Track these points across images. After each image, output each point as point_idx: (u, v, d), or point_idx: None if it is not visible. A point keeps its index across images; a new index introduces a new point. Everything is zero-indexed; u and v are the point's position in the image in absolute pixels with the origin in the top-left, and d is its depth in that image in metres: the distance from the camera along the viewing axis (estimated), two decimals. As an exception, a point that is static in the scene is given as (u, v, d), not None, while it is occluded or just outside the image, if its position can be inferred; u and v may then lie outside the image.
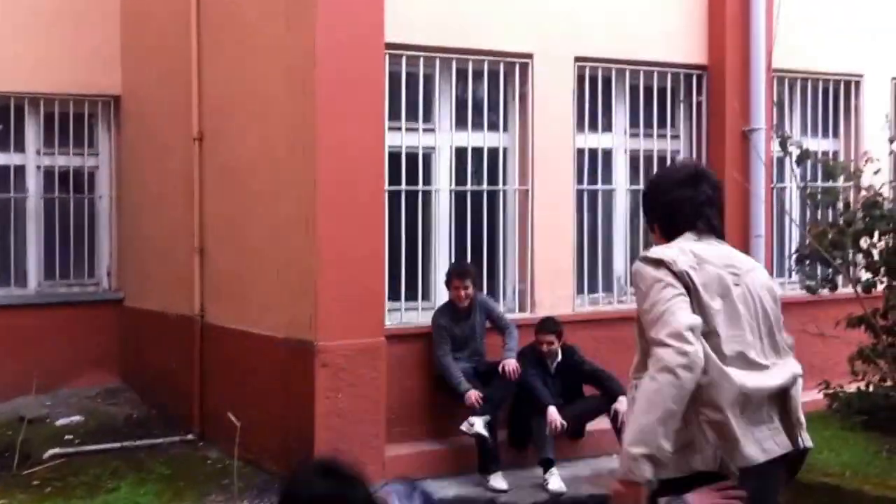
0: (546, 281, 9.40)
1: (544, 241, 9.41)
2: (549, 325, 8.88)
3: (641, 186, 10.12)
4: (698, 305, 3.83)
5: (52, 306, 11.35)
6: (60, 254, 11.51)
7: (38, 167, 11.48)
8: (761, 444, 3.85)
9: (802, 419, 4.00)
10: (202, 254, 9.98)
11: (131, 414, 10.80)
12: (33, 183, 11.46)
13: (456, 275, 8.85)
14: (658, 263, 3.88)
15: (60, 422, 10.36)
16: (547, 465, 8.49)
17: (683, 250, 3.94)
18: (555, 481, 8.41)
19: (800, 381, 4.02)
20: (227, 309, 9.65)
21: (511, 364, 8.64)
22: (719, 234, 4.10)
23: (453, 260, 9.16)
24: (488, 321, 8.96)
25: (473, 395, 8.53)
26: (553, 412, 8.44)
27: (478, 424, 8.46)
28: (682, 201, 4.10)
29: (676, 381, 3.64)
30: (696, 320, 3.76)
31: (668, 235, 4.10)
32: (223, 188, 9.75)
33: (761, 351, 3.94)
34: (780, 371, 3.97)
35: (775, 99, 10.49)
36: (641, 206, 4.51)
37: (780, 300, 4.12)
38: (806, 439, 4.00)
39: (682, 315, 3.75)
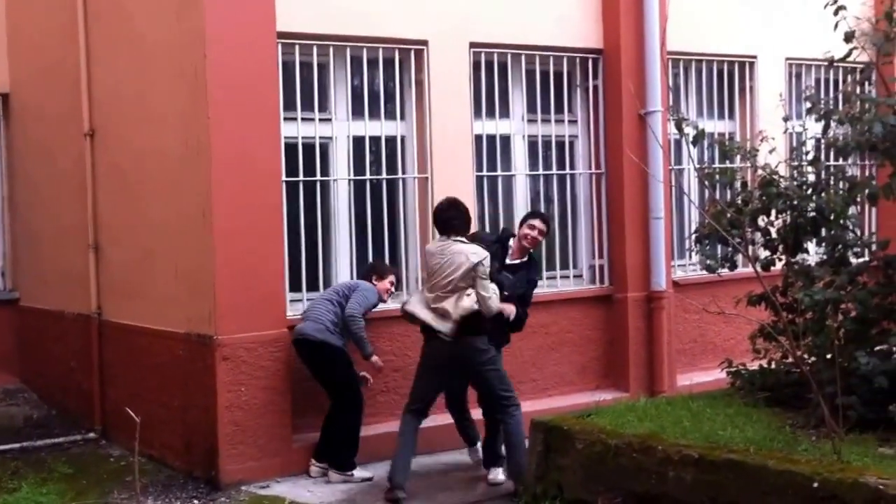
0: (448, 269, 9.31)
1: (445, 229, 9.37)
2: (538, 213, 8.89)
3: (541, 171, 10.16)
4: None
5: (-54, 308, 11.09)
6: (-48, 255, 11.24)
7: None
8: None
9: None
10: (97, 251, 9.86)
11: (31, 414, 10.65)
12: (-78, 183, 11.18)
13: (397, 276, 9.06)
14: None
15: (-42, 424, 10.13)
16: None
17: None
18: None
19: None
20: (124, 306, 9.52)
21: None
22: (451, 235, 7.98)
23: (354, 248, 9.11)
24: None
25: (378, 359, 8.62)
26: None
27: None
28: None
29: None
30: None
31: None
32: (116, 184, 9.59)
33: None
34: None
35: (670, 82, 10.55)
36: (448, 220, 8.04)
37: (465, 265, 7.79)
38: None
39: None
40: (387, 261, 9.24)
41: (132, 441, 6.19)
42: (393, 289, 8.94)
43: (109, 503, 8.08)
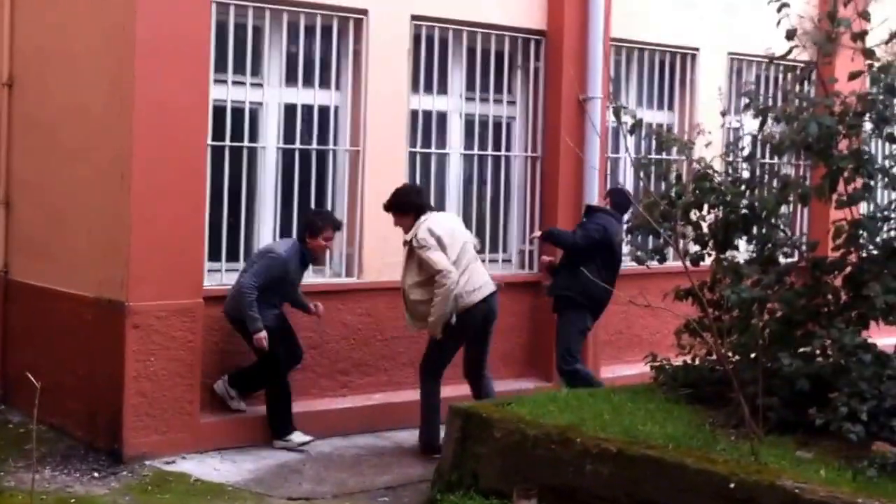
0: (375, 246, 9.15)
1: (374, 204, 9.10)
2: None
3: (476, 151, 9.98)
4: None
5: None
6: None
7: None
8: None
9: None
10: (7, 206, 9.49)
11: (-75, 378, 10.14)
12: None
13: (335, 227, 8.66)
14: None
15: None
16: None
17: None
18: None
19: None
20: (33, 265, 9.19)
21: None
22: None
23: (279, 220, 8.88)
24: None
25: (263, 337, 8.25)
26: None
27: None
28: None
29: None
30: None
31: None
32: (32, 138, 9.27)
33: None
34: None
35: (612, 69, 10.44)
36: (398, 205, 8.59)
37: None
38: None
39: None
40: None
41: (32, 408, 5.96)
42: (330, 244, 8.68)
43: (5, 472, 7.75)
